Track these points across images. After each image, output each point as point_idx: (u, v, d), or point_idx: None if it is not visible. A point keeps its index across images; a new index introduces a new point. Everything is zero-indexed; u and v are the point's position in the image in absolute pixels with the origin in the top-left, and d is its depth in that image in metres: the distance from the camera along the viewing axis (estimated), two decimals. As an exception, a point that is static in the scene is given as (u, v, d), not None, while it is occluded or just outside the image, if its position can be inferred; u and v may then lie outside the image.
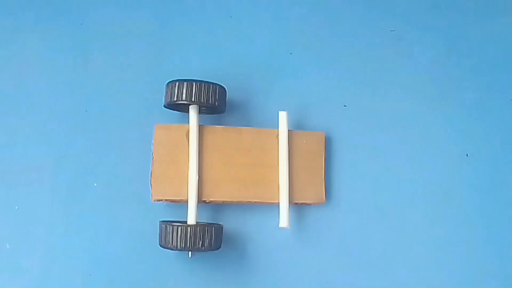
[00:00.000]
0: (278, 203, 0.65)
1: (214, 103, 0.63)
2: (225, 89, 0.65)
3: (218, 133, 0.66)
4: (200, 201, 0.64)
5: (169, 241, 0.60)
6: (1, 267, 0.64)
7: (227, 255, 0.66)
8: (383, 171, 0.70)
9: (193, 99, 0.62)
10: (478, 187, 0.71)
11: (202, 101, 0.62)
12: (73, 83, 0.68)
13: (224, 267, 0.66)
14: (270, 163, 0.66)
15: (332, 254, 0.68)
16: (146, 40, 0.70)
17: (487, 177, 0.71)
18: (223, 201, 0.65)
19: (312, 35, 0.73)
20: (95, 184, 0.66)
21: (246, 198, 0.65)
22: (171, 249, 0.61)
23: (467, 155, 0.72)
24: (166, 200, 0.64)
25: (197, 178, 0.63)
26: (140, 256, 0.65)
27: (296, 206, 0.68)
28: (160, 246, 0.62)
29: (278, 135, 0.67)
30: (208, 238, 0.60)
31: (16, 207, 0.65)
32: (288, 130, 0.67)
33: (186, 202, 0.63)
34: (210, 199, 0.65)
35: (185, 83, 0.62)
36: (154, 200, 0.64)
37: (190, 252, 0.62)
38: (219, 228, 0.62)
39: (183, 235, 0.59)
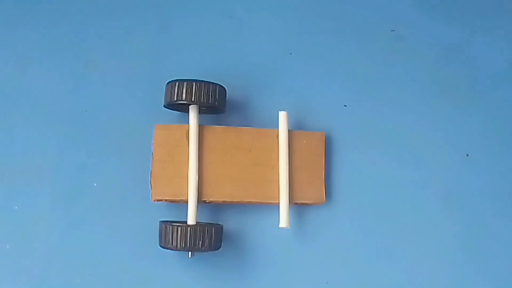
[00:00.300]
0: (278, 203, 0.65)
1: (214, 103, 0.63)
2: (225, 89, 0.65)
3: (218, 133, 0.66)
4: (200, 201, 0.64)
5: (169, 241, 0.60)
6: (1, 267, 0.64)
7: (227, 255, 0.66)
8: (383, 171, 0.70)
9: (193, 99, 0.62)
10: (478, 187, 0.71)
11: (202, 101, 0.62)
12: (73, 83, 0.68)
13: (224, 267, 0.66)
14: (270, 163, 0.66)
15: (332, 254, 0.68)
16: (146, 40, 0.70)
17: (487, 177, 0.71)
18: (223, 201, 0.65)
19: (312, 35, 0.73)
20: (95, 184, 0.66)
21: (246, 198, 0.65)
22: (171, 249, 0.61)
23: (467, 155, 0.72)
24: (166, 200, 0.64)
25: (197, 178, 0.63)
26: (140, 256, 0.65)
27: (296, 206, 0.68)
28: (160, 246, 0.62)
29: (278, 135, 0.67)
30: (208, 238, 0.60)
31: (16, 207, 0.65)
32: (288, 130, 0.67)
33: (186, 202, 0.63)
34: (210, 199, 0.65)
35: (185, 83, 0.62)
36: (154, 200, 0.64)
37: (190, 252, 0.62)
38: (219, 228, 0.62)
39: (183, 235, 0.60)
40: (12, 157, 0.66)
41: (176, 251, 0.62)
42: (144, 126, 0.66)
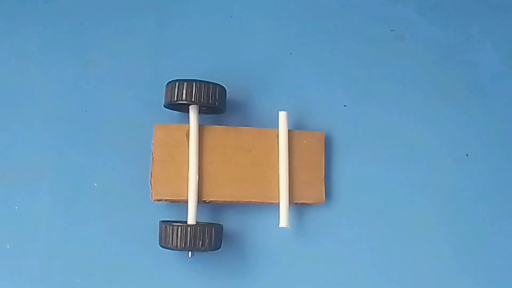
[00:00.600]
0: (278, 203, 0.65)
1: (214, 103, 0.63)
2: (225, 89, 0.65)
3: (218, 133, 0.66)
4: (200, 201, 0.64)
5: (169, 241, 0.60)
6: (1, 267, 0.64)
7: (227, 255, 0.66)
8: (383, 171, 0.70)
9: (193, 99, 0.62)
10: (478, 187, 0.71)
11: (202, 101, 0.62)
12: (73, 83, 0.68)
13: (224, 267, 0.66)
14: (270, 163, 0.66)
15: (332, 254, 0.68)
16: (146, 40, 0.70)
17: (487, 177, 0.71)
18: (223, 201, 0.65)
19: (312, 35, 0.73)
20: (95, 184, 0.66)
21: (246, 198, 0.65)
22: (171, 249, 0.61)
23: (467, 155, 0.72)
24: (166, 200, 0.64)
25: (197, 178, 0.63)
26: (140, 256, 0.65)
27: (296, 206, 0.68)
28: (160, 246, 0.62)
29: (278, 135, 0.67)
30: (208, 238, 0.60)
31: (16, 207, 0.65)
32: (288, 130, 0.67)
33: (186, 202, 0.63)
34: (210, 199, 0.65)
35: (185, 83, 0.62)
36: (154, 200, 0.64)
37: (190, 252, 0.62)
38: (219, 228, 0.62)
39: (183, 235, 0.60)
40: (12, 157, 0.66)
41: (176, 251, 0.62)
42: (144, 126, 0.66)
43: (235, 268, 0.66)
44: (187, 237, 0.59)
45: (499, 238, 0.70)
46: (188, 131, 0.64)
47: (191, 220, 0.62)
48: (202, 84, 0.62)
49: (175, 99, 0.62)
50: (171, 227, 0.60)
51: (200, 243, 0.60)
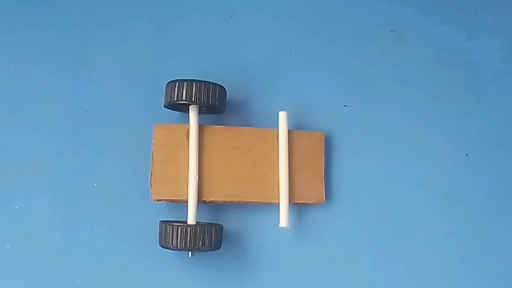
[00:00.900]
0: (278, 203, 0.65)
1: (214, 103, 0.63)
2: (225, 89, 0.65)
3: (218, 133, 0.66)
4: (200, 201, 0.64)
5: (169, 241, 0.60)
6: (1, 267, 0.64)
7: (227, 255, 0.66)
8: (383, 171, 0.70)
9: (193, 99, 0.62)
10: (478, 187, 0.71)
11: (202, 101, 0.62)
12: (73, 83, 0.68)
13: (224, 267, 0.66)
14: (270, 163, 0.66)
15: (332, 254, 0.68)
16: (146, 40, 0.70)
17: (487, 177, 0.71)
18: (223, 201, 0.65)
19: (312, 35, 0.73)
20: (95, 184, 0.66)
21: (246, 198, 0.65)
22: (171, 249, 0.61)
23: (467, 155, 0.72)
24: (166, 200, 0.64)
25: (197, 178, 0.63)
26: (140, 256, 0.65)
27: (296, 206, 0.68)
28: (160, 246, 0.62)
29: (278, 135, 0.67)
30: (208, 238, 0.60)
31: (16, 207, 0.65)
32: (288, 130, 0.67)
33: (186, 202, 0.63)
34: (210, 199, 0.65)
35: (185, 83, 0.62)
36: (154, 200, 0.64)
37: (190, 252, 0.62)
38: (219, 228, 0.62)
39: (183, 235, 0.60)
40: (12, 157, 0.66)
41: (176, 251, 0.62)
42: (144, 126, 0.66)
43: (235, 268, 0.66)
44: (187, 237, 0.59)
45: (500, 238, 0.70)
46: (188, 131, 0.64)
47: (191, 220, 0.62)
48: (202, 84, 0.62)
49: (175, 99, 0.62)
50: (171, 227, 0.60)
51: (200, 243, 0.60)
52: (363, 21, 0.74)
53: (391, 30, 0.74)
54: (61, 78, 0.68)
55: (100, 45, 0.70)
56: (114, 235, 0.65)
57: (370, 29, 0.74)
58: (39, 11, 0.70)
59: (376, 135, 0.71)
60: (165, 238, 0.60)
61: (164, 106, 0.65)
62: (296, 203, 0.67)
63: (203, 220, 0.65)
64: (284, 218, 0.64)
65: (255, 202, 0.66)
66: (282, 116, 0.67)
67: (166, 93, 0.63)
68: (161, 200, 0.64)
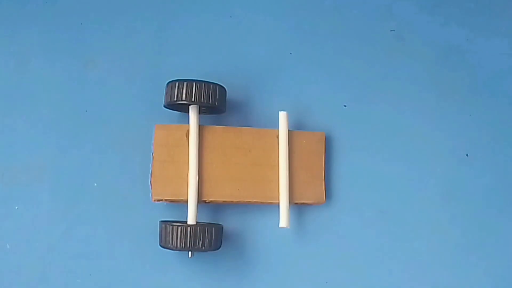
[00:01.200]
0: (278, 203, 0.65)
1: (214, 103, 0.63)
2: (225, 89, 0.65)
3: (218, 133, 0.66)
4: (200, 201, 0.64)
5: (169, 241, 0.60)
6: (1, 267, 0.64)
7: (227, 255, 0.66)
8: (383, 171, 0.70)
9: (193, 99, 0.62)
10: (478, 187, 0.71)
11: (202, 101, 0.62)
12: (73, 83, 0.68)
13: (224, 267, 0.66)
14: (270, 163, 0.66)
15: (332, 254, 0.68)
16: (146, 40, 0.70)
17: (487, 177, 0.71)
18: (223, 201, 0.65)
19: (312, 35, 0.73)
20: (95, 184, 0.66)
21: (246, 198, 0.65)
22: (171, 249, 0.61)
23: (467, 155, 0.72)
24: (166, 200, 0.64)
25: (197, 178, 0.63)
26: (140, 256, 0.65)
27: (296, 206, 0.68)
28: (160, 246, 0.62)
29: (278, 135, 0.67)
30: (208, 238, 0.60)
31: (16, 207, 0.65)
32: (288, 130, 0.67)
33: (186, 202, 0.63)
34: (210, 199, 0.65)
35: (185, 83, 0.62)
36: (154, 200, 0.64)
37: (190, 252, 0.62)
38: (219, 228, 0.62)
39: (183, 235, 0.60)
40: (12, 157, 0.66)
41: (176, 251, 0.62)
42: (144, 126, 0.66)
43: (235, 268, 0.66)
44: (187, 237, 0.59)
45: (500, 237, 0.70)
46: (188, 131, 0.64)
47: (191, 220, 0.62)
48: (202, 84, 0.62)
49: (175, 99, 0.62)
50: (171, 227, 0.60)
51: (200, 243, 0.60)
52: (363, 21, 0.74)
53: (391, 30, 0.74)
54: (61, 78, 0.68)
55: (100, 45, 0.70)
56: (114, 235, 0.65)
57: (370, 29, 0.74)
58: (39, 11, 0.70)
59: (376, 135, 0.71)
60: (165, 238, 0.60)
61: (164, 106, 0.65)
62: (296, 203, 0.67)
63: (203, 220, 0.65)
64: (284, 218, 0.64)
65: (255, 202, 0.66)
66: (282, 116, 0.67)
67: (166, 93, 0.63)
68: (161, 200, 0.64)
